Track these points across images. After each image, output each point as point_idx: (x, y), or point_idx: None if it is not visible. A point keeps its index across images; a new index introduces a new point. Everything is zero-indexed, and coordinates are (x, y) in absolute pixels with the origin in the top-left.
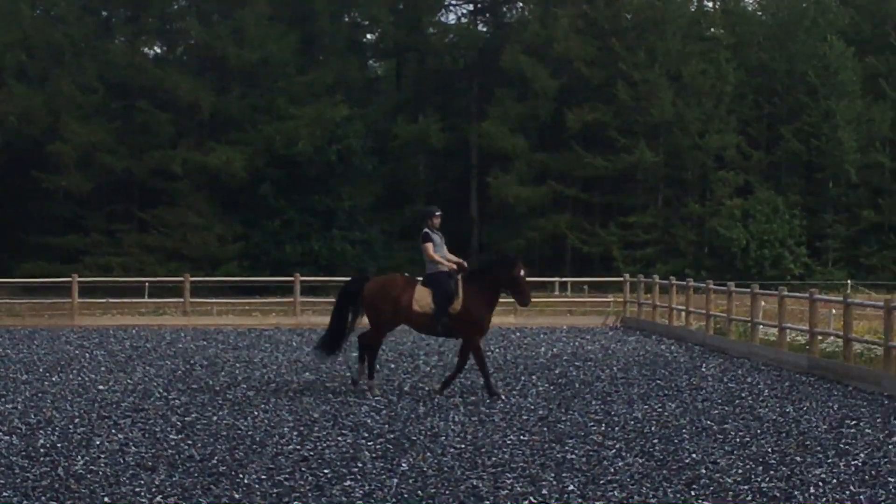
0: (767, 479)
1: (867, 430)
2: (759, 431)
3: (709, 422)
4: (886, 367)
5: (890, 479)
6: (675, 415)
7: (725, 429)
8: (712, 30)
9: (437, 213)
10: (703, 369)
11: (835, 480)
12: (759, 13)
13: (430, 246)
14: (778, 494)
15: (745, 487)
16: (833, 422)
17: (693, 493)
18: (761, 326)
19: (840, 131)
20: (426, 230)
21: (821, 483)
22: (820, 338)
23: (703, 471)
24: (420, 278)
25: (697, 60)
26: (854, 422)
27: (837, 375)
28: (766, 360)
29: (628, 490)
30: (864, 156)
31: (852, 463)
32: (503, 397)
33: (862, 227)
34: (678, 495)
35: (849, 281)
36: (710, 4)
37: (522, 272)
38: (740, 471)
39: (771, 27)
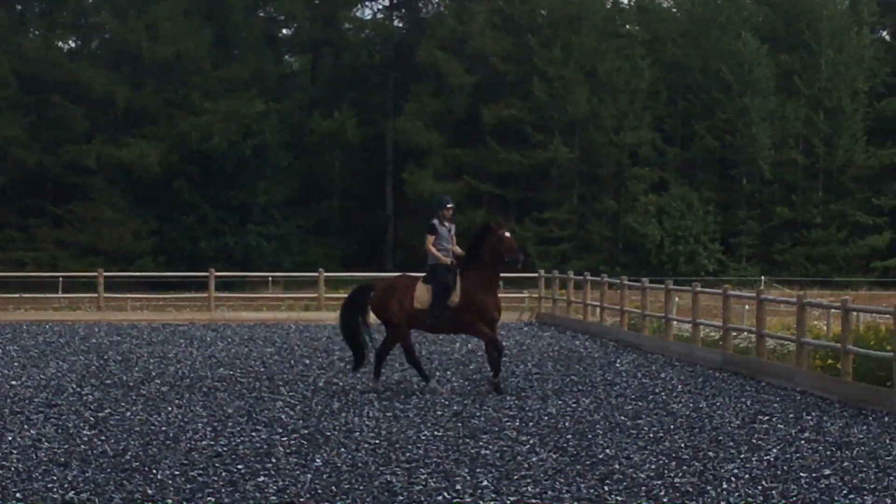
0: (680, 474)
1: (780, 426)
2: (672, 427)
3: (622, 417)
4: (799, 363)
5: (802, 474)
6: (588, 410)
7: (639, 424)
8: (627, 26)
9: (449, 205)
10: (618, 365)
11: (747, 476)
12: (675, 10)
13: (430, 238)
14: (691, 490)
15: (658, 483)
16: (746, 417)
17: (606, 488)
18: (675, 322)
19: (754, 128)
20: (433, 221)
21: (733, 478)
22: (733, 334)
23: (617, 466)
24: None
25: (613, 57)
26: (767, 417)
27: (750, 371)
28: (680, 355)
29: (542, 485)
30: (777, 153)
31: (765, 458)
32: (506, 397)
33: (775, 223)
34: (591, 490)
35: (762, 277)
36: (626, 1)
37: (508, 233)
38: (653, 466)
39: (686, 24)
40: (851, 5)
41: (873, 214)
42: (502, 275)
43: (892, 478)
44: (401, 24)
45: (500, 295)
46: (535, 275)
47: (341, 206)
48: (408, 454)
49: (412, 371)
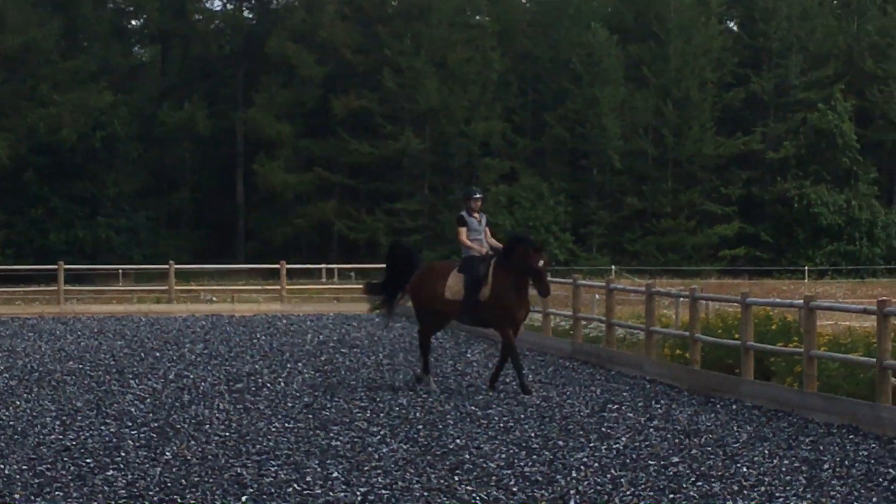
0: (530, 463)
1: (629, 414)
2: (522, 416)
3: (473, 407)
4: (648, 352)
5: (650, 462)
6: (439, 401)
7: (489, 414)
8: (478, 17)
9: (477, 196)
10: (469, 355)
11: (596, 464)
12: (525, 1)
13: (462, 230)
14: (540, 479)
15: (508, 472)
16: (595, 406)
17: (457, 478)
18: None
19: (604, 118)
20: (462, 213)
21: (582, 467)
22: (583, 323)
23: (467, 456)
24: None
25: (463, 48)
26: (616, 406)
27: (600, 360)
28: (531, 345)
29: (392, 476)
30: (627, 143)
31: (614, 447)
32: (533, 392)
33: (625, 213)
34: (442, 481)
35: (612, 266)
36: None
37: (542, 262)
38: (503, 456)
39: (536, 15)
40: None
41: (722, 204)
42: (356, 266)
43: (739, 465)
44: (251, 15)
45: (351, 286)
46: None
47: (192, 197)
48: (258, 446)
49: (265, 363)
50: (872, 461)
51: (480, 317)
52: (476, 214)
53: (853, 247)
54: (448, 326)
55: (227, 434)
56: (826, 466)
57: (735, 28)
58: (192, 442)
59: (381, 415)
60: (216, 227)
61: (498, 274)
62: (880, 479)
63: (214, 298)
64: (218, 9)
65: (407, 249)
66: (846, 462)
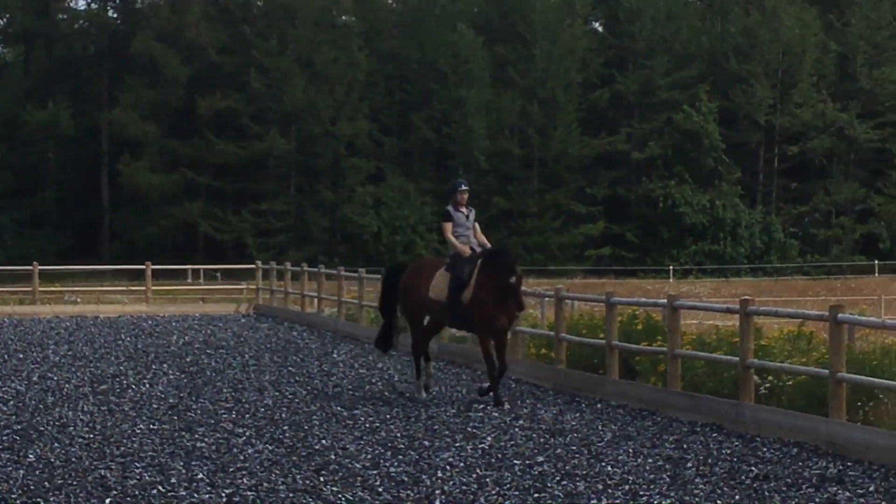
0: (396, 463)
1: (494, 414)
2: (388, 416)
3: (339, 408)
4: (514, 351)
5: (515, 461)
6: (305, 401)
7: (355, 414)
8: (343, 18)
9: (463, 188)
10: (335, 355)
11: (462, 464)
12: (391, 1)
13: (448, 226)
14: (406, 479)
15: (374, 472)
16: (461, 406)
17: (322, 478)
18: None
19: (470, 119)
20: (447, 208)
21: (448, 467)
22: None
23: (333, 456)
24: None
25: (329, 48)
26: (482, 406)
27: (466, 359)
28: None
29: (258, 477)
30: (493, 143)
31: (479, 446)
32: (506, 406)
33: (492, 213)
34: (307, 482)
35: None
36: None
37: (514, 279)
38: (369, 456)
39: (402, 15)
40: None
41: (587, 204)
42: (222, 266)
43: (603, 463)
44: (115, 15)
45: (217, 286)
46: (253, 266)
47: (56, 198)
48: (122, 448)
49: (130, 364)
50: (735, 459)
51: (464, 320)
52: (463, 209)
53: (717, 246)
54: (318, 328)
55: (91, 436)
56: (690, 465)
57: (600, 29)
58: (56, 444)
59: (247, 416)
60: (81, 228)
61: (482, 277)
62: (743, 477)
63: (79, 299)
64: (82, 8)
65: (398, 268)
66: (709, 460)
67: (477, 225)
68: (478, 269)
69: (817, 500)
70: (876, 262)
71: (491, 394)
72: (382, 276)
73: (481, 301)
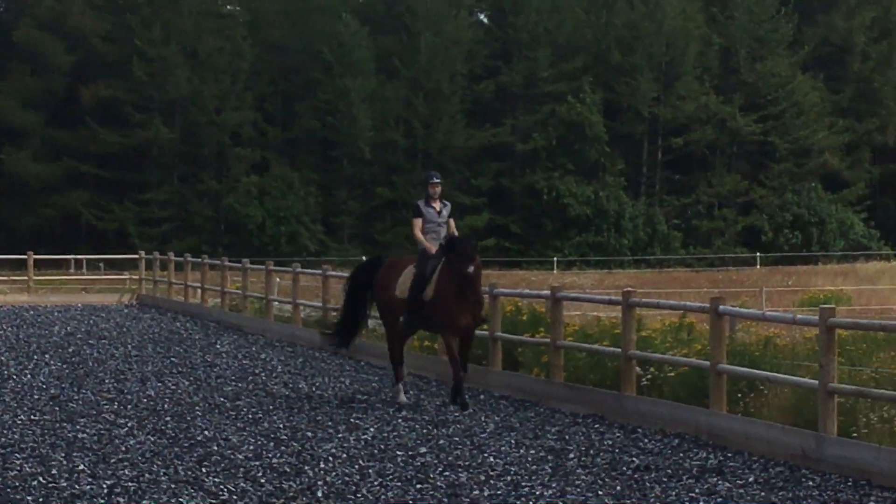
0: (278, 454)
1: (378, 405)
2: (271, 407)
3: (222, 398)
4: None
5: (398, 452)
6: (188, 392)
7: (238, 405)
8: (228, 7)
9: (434, 181)
10: (218, 346)
11: (345, 455)
12: None
13: (416, 223)
14: (288, 470)
15: (257, 463)
16: (345, 397)
17: (204, 469)
18: (276, 303)
19: (354, 109)
20: (418, 202)
21: (331, 458)
22: (333, 313)
23: (215, 447)
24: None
25: (213, 37)
26: (365, 396)
27: (349, 350)
28: (281, 336)
29: (139, 468)
30: (378, 134)
31: (362, 437)
32: (471, 410)
33: (376, 203)
34: (189, 472)
35: (363, 257)
36: None
37: (472, 268)
38: (252, 447)
39: (286, 5)
40: None
41: (472, 195)
42: (105, 256)
43: (486, 454)
44: None
45: (100, 277)
46: (136, 256)
47: None
48: (3, 439)
49: (11, 354)
50: (617, 450)
51: (425, 319)
52: (436, 203)
53: (601, 238)
54: (201, 318)
55: None
56: (572, 455)
57: (485, 20)
58: None
59: (129, 407)
60: None
61: (444, 274)
62: (624, 468)
63: None
64: None
65: (370, 263)
66: (591, 451)
67: (451, 221)
68: (440, 266)
69: (697, 490)
70: (758, 254)
71: (456, 398)
72: (352, 271)
73: (441, 298)
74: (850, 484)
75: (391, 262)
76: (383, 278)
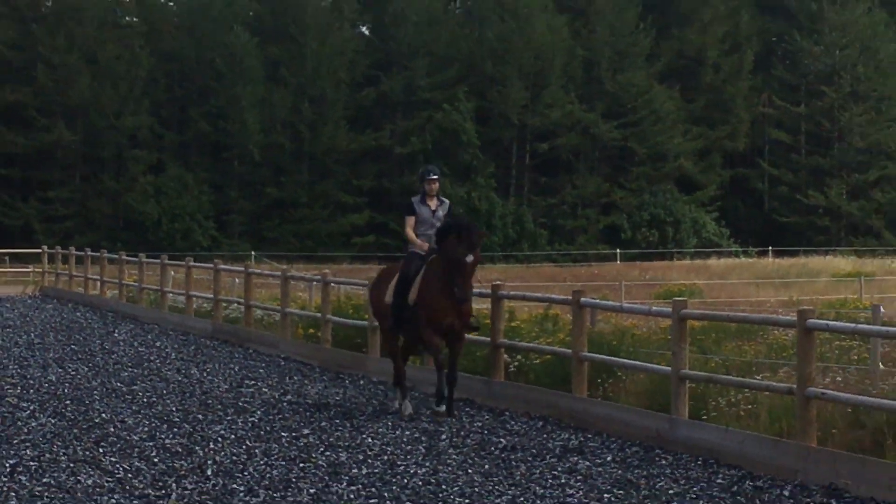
0: (171, 435)
1: (264, 390)
2: (165, 392)
3: (119, 384)
4: (283, 331)
5: (283, 433)
6: (87, 377)
7: (134, 390)
8: (127, 18)
9: (431, 177)
10: (116, 334)
11: (233, 436)
12: (171, 3)
13: (408, 221)
14: (180, 450)
15: (151, 444)
16: (234, 382)
17: (102, 449)
18: (171, 294)
19: (245, 114)
20: (413, 200)
21: (220, 439)
22: (224, 304)
23: (112, 429)
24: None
25: (113, 46)
26: (253, 382)
27: (239, 339)
28: (175, 325)
29: (40, 448)
30: (266, 137)
31: (250, 420)
32: (453, 419)
33: (265, 202)
34: (87, 452)
35: (253, 252)
36: None
37: (471, 257)
38: (146, 428)
39: (182, 16)
40: (334, 2)
41: (354, 194)
42: (10, 250)
43: (364, 435)
44: None
45: (5, 270)
46: (39, 250)
47: None
48: None
49: None
50: (486, 431)
51: (412, 325)
52: (432, 201)
53: None
54: (100, 308)
55: None
56: (444, 437)
57: (367, 32)
58: None
59: (31, 391)
60: None
61: (429, 272)
62: (492, 448)
63: None
64: None
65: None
66: (462, 433)
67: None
68: (427, 264)
69: (559, 469)
70: (618, 250)
71: (437, 399)
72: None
73: (425, 297)
74: (699, 463)
75: (384, 270)
76: (376, 287)
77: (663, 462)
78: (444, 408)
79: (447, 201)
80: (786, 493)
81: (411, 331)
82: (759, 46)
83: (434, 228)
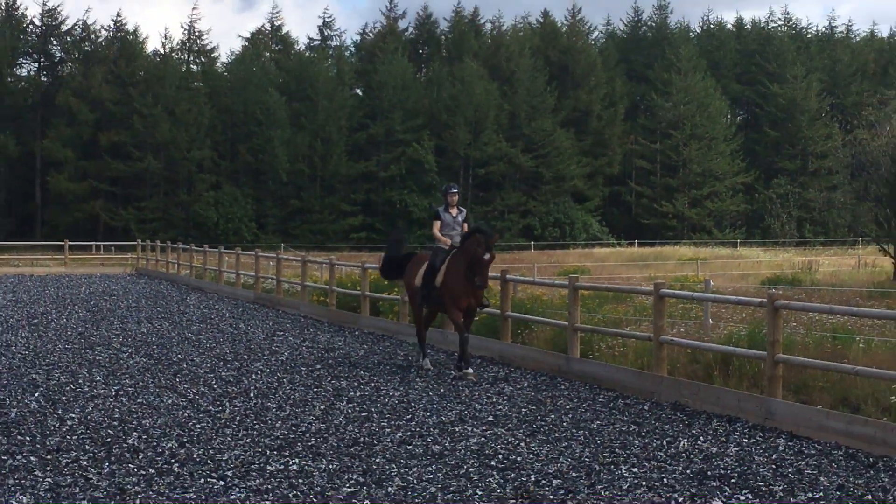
0: (226, 370)
1: (290, 338)
2: (221, 339)
3: (189, 334)
4: (302, 298)
5: (302, 368)
6: (167, 330)
7: (200, 338)
8: (195, 83)
9: (453, 191)
10: (188, 300)
11: (268, 370)
12: (226, 73)
13: (435, 224)
14: (231, 379)
15: (211, 375)
16: (268, 333)
17: (178, 379)
18: (225, 273)
19: (276, 149)
20: (438, 209)
21: (259, 371)
22: (262, 280)
23: (185, 365)
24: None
25: (185, 102)
26: (282, 333)
27: (273, 304)
28: (228, 294)
29: (136, 379)
30: (291, 165)
31: (279, 359)
32: (473, 380)
33: (290, 210)
34: (167, 381)
35: (282, 244)
36: None
37: (488, 255)
38: (208, 365)
39: (233, 82)
40: (337, 72)
41: (351, 205)
42: (116, 243)
43: (358, 369)
44: None
45: (112, 256)
46: (135, 243)
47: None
48: (47, 360)
49: (53, 306)
50: (442, 367)
51: (437, 302)
52: (453, 210)
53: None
54: (177, 283)
55: (26, 353)
56: (412, 369)
57: (360, 93)
58: (3, 358)
59: (129, 339)
60: (21, 218)
61: (452, 263)
62: (446, 377)
63: (19, 264)
64: None
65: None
66: (426, 366)
67: (466, 225)
68: (451, 256)
69: (491, 391)
70: (532, 242)
71: (462, 363)
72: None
73: (448, 283)
74: (587, 387)
75: (417, 258)
76: (409, 270)
77: (563, 387)
78: (471, 370)
79: (465, 209)
80: (646, 408)
81: (435, 306)
82: (629, 103)
83: (455, 230)
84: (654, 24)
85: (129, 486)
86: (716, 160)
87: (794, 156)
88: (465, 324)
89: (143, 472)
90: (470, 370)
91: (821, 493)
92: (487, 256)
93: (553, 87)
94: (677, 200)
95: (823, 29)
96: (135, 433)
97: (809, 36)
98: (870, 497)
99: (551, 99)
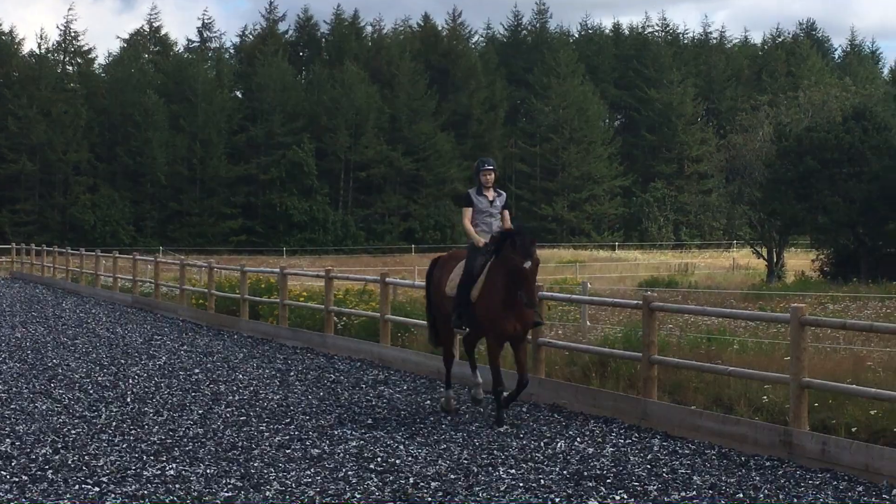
0: (102, 374)
1: (168, 342)
2: (98, 344)
3: (65, 338)
4: (181, 301)
5: (180, 372)
6: (43, 334)
7: (76, 343)
8: (72, 84)
9: (488, 167)
10: (63, 304)
11: (145, 374)
12: (103, 74)
13: (466, 212)
14: (108, 384)
15: (87, 380)
16: (146, 337)
17: (53, 385)
18: (102, 276)
19: (154, 151)
20: (469, 191)
21: (136, 376)
22: (140, 283)
23: (60, 370)
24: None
25: (62, 104)
26: (160, 337)
27: (151, 307)
28: (105, 298)
29: (9, 384)
30: (170, 167)
31: (157, 363)
32: (505, 428)
33: (169, 212)
34: (42, 387)
35: (160, 247)
36: None
37: (529, 263)
38: (84, 370)
39: (110, 83)
40: (216, 74)
41: (231, 207)
42: None
43: (237, 373)
44: None
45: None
46: (10, 246)
47: None
48: None
49: None
50: (320, 370)
51: (474, 320)
52: (488, 192)
53: (314, 235)
54: (53, 287)
55: None
56: (292, 373)
57: (240, 95)
58: None
59: (3, 344)
60: None
61: (493, 271)
62: (325, 381)
63: None
64: None
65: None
66: (304, 370)
67: (506, 213)
68: (490, 262)
69: (371, 394)
70: (413, 245)
71: (492, 408)
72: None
73: (484, 299)
74: (466, 390)
75: (447, 256)
76: (437, 272)
77: (442, 389)
78: (503, 428)
79: (504, 193)
80: (524, 410)
81: (475, 325)
82: (508, 107)
83: (492, 217)
84: (533, 29)
85: (0, 494)
86: (594, 164)
87: (671, 160)
88: (518, 360)
89: (16, 479)
90: (503, 428)
91: (694, 492)
92: (528, 265)
93: (434, 90)
94: (556, 203)
95: (699, 35)
96: (7, 440)
97: (685, 42)
98: (741, 495)
99: (432, 102)
